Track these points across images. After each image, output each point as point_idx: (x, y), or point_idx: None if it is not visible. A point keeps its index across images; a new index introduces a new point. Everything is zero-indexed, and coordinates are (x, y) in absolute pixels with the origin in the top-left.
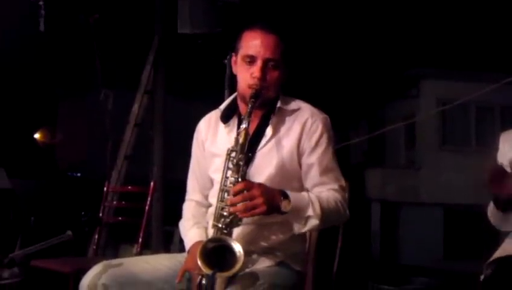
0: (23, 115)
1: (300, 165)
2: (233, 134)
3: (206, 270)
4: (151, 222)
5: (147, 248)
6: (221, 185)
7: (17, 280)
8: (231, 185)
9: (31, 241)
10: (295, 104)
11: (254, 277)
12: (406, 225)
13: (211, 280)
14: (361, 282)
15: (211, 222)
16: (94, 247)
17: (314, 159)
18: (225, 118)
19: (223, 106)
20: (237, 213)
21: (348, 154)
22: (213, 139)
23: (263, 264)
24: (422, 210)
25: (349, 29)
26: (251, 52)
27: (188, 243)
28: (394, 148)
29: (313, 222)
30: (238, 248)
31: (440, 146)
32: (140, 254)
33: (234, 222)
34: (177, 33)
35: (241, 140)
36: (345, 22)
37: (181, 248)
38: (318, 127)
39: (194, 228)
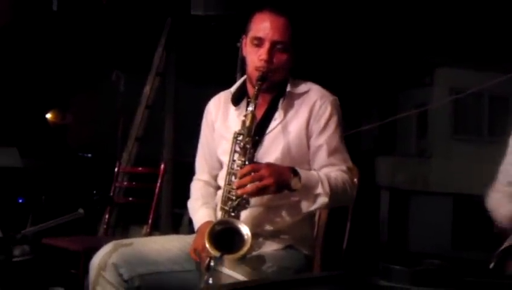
0: (35, 95)
1: (309, 147)
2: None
3: (213, 253)
4: (161, 204)
5: (156, 230)
6: (228, 168)
7: (28, 258)
8: (238, 168)
9: (42, 220)
10: (305, 86)
11: (262, 259)
12: (414, 213)
13: (219, 262)
14: (371, 264)
15: (219, 205)
16: (104, 227)
17: (323, 140)
18: (236, 100)
19: (233, 89)
20: (246, 195)
21: (358, 141)
22: (223, 120)
23: (271, 247)
24: (432, 199)
25: (363, 16)
26: (259, 34)
27: (197, 223)
28: (405, 136)
29: (322, 200)
30: (245, 230)
31: (452, 135)
32: (149, 235)
33: (241, 204)
34: (190, 15)
35: (247, 123)
36: (359, 8)
37: (190, 230)
38: (327, 109)
39: (203, 208)
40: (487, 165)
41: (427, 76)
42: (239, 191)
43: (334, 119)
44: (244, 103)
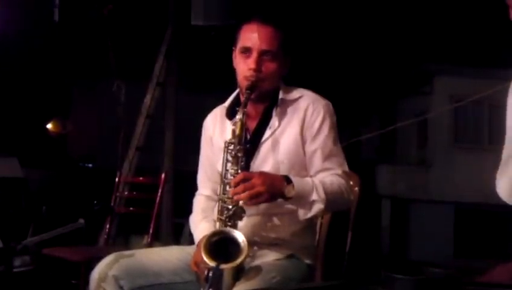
0: (35, 105)
1: (305, 153)
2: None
3: (210, 263)
4: (162, 213)
5: (157, 239)
6: (221, 178)
7: (29, 268)
8: (231, 177)
9: (42, 231)
10: (297, 92)
11: (265, 270)
12: (416, 222)
13: (217, 272)
14: (372, 273)
15: (216, 216)
16: (105, 237)
17: (317, 145)
18: (230, 114)
19: (227, 103)
20: (240, 202)
21: (359, 150)
22: (221, 134)
23: (272, 257)
24: (433, 208)
25: (362, 23)
26: (247, 44)
27: (197, 237)
28: (406, 145)
29: (318, 207)
30: (241, 238)
31: (452, 144)
32: (150, 245)
33: (237, 213)
34: (191, 25)
35: (237, 131)
36: (358, 15)
37: (191, 240)
38: (319, 114)
39: (203, 222)
40: (488, 174)
41: (427, 84)
42: (235, 198)
43: (327, 124)
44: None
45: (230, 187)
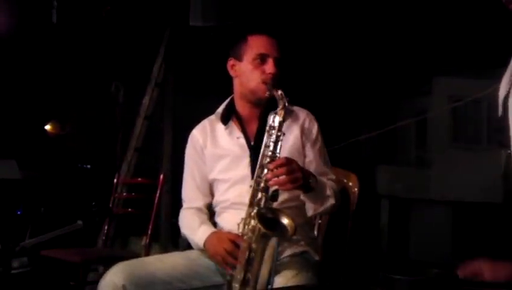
0: (34, 106)
1: (304, 156)
2: (235, 135)
3: (269, 234)
4: (160, 214)
5: (156, 241)
6: (260, 162)
7: (27, 270)
8: (269, 159)
9: (41, 232)
10: (289, 106)
11: (297, 266)
12: (414, 222)
13: (276, 242)
14: (371, 274)
15: (227, 214)
16: (103, 238)
17: (316, 150)
18: (224, 119)
19: (220, 109)
20: (278, 186)
21: (358, 150)
22: (214, 142)
23: (290, 252)
24: (432, 207)
25: (362, 25)
26: (263, 50)
27: (201, 239)
28: (405, 144)
29: (331, 202)
30: (285, 220)
31: (451, 143)
32: (149, 246)
33: (274, 196)
34: (189, 26)
35: (280, 118)
36: (358, 17)
37: (188, 242)
38: (314, 125)
39: (203, 225)
40: (486, 173)
41: (426, 85)
42: (272, 182)
43: (320, 135)
44: (232, 123)
45: (267, 171)
